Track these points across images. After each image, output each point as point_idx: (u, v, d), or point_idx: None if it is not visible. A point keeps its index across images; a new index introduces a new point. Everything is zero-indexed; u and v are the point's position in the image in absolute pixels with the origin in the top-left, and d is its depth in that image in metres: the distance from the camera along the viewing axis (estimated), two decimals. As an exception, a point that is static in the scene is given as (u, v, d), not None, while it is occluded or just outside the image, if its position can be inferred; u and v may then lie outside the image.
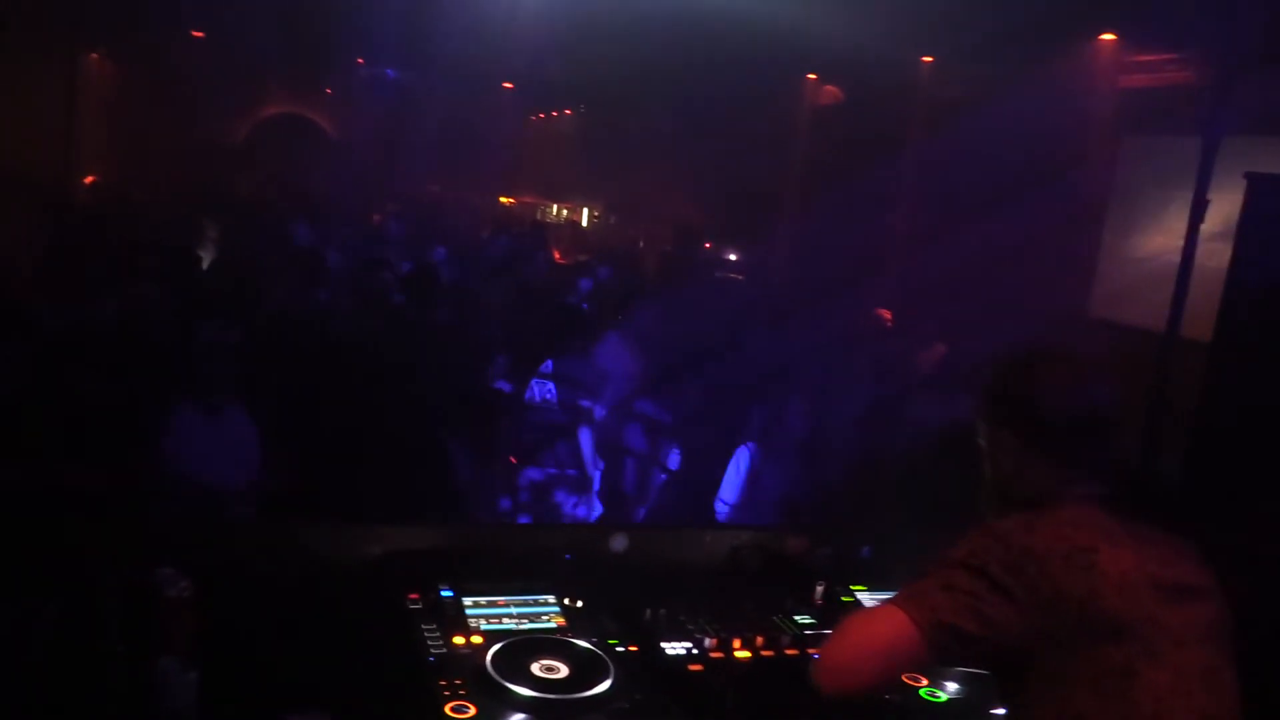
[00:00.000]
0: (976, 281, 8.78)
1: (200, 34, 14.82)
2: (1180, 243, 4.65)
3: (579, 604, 2.66)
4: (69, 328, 5.01)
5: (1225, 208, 4.63)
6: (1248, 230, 4.45)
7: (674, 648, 2.56)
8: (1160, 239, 8.25)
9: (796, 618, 2.82)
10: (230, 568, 2.41)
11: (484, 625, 2.50)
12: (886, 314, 8.22)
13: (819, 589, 2.95)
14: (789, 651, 2.66)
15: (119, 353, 4.73)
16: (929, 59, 10.68)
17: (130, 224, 8.97)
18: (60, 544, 2.41)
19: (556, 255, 12.06)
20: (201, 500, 4.07)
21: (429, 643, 2.39)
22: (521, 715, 2.20)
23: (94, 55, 15.04)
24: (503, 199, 19.27)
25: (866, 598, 3.01)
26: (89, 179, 13.04)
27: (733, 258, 13.21)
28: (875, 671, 1.90)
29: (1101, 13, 8.52)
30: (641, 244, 13.64)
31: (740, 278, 12.21)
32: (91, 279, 6.14)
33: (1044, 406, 1.97)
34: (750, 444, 4.89)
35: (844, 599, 2.96)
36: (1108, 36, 8.99)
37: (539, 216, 19.49)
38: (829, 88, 12.73)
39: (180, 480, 4.11)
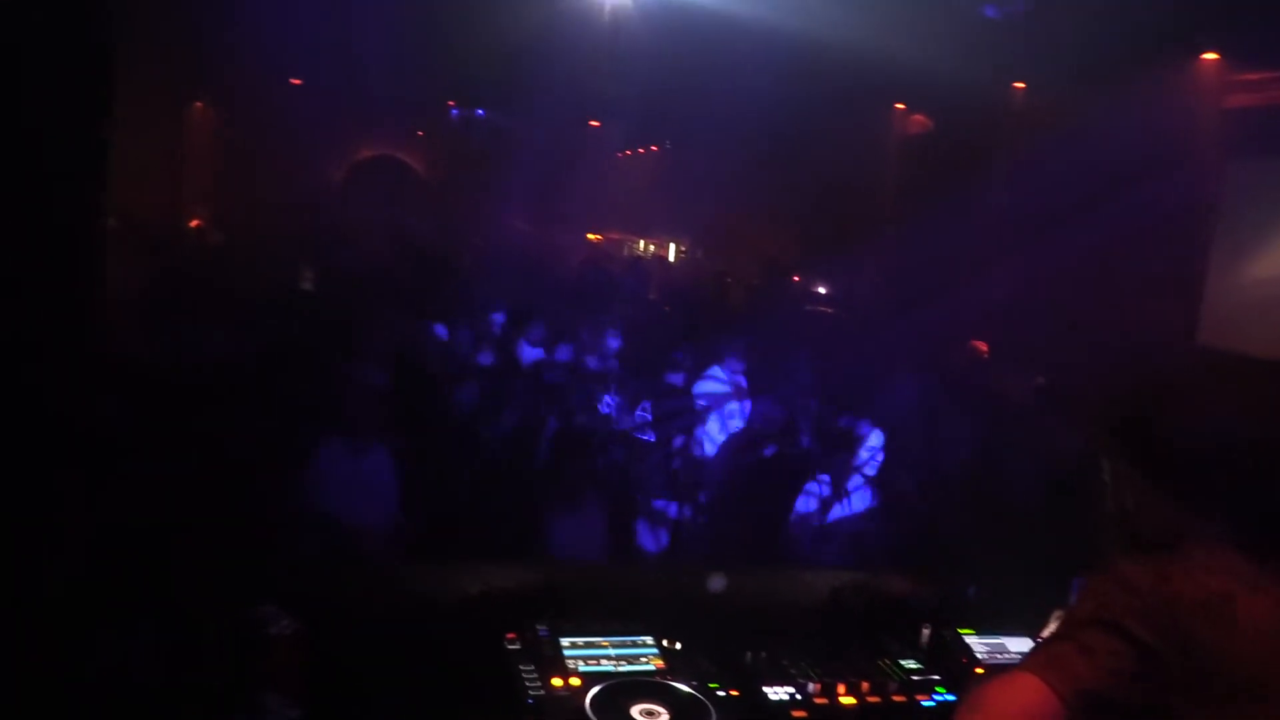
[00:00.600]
0: (1077, 311, 8.54)
1: (298, 81, 15.35)
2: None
3: (678, 646, 2.61)
4: (195, 365, 5.15)
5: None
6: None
7: (776, 692, 2.49)
8: (1273, 263, 7.93)
9: (902, 662, 2.72)
10: (334, 605, 2.43)
11: (582, 667, 2.46)
12: (983, 346, 8.03)
13: (925, 632, 2.85)
14: (896, 697, 2.57)
15: (254, 390, 4.85)
16: (1020, 85, 10.48)
17: (235, 266, 9.27)
18: (171, 578, 2.45)
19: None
20: (335, 537, 4.13)
21: (527, 684, 2.36)
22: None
23: (198, 104, 15.68)
24: (590, 235, 19.45)
25: (975, 640, 2.89)
26: (194, 222, 13.54)
27: (822, 291, 13.08)
28: None
29: (1203, 32, 8.26)
30: (729, 279, 13.59)
31: (830, 310, 12.08)
32: (202, 319, 6.33)
33: (1167, 438, 1.86)
34: (824, 478, 4.77)
35: (952, 643, 2.85)
36: (1210, 56, 8.71)
37: (626, 252, 19.60)
38: (917, 117, 12.58)
39: (318, 517, 4.18)
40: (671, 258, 19.49)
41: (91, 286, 2.10)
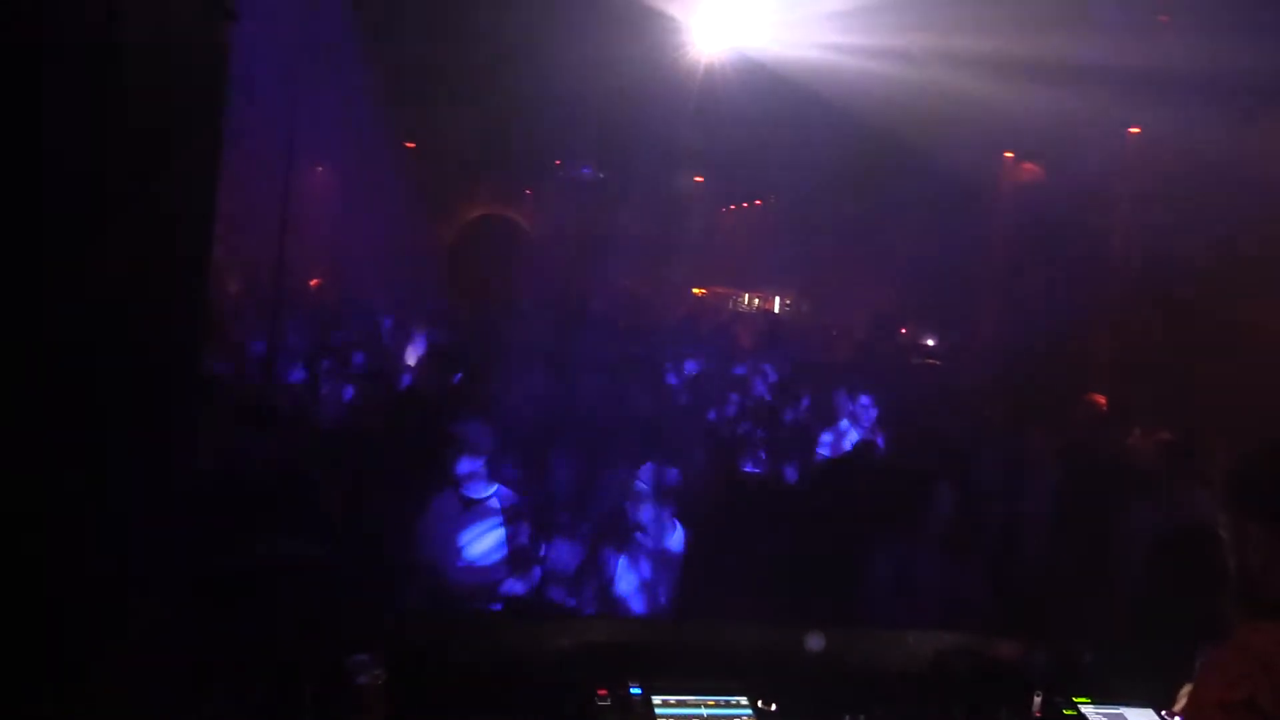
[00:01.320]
0: (1201, 365, 8.16)
1: (412, 145, 15.90)
2: None
3: (773, 707, 2.53)
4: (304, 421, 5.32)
5: None
6: None
7: (877, 759, 2.40)
8: None
9: (1013, 732, 2.59)
10: (426, 656, 2.43)
11: (674, 727, 2.41)
12: (1100, 399, 7.72)
13: (1036, 700, 2.71)
14: (1005, 769, 2.44)
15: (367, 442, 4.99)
16: (1135, 130, 10.17)
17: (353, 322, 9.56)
18: (265, 627, 2.49)
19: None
20: (434, 589, 4.18)
21: (617, 742, 2.32)
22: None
23: (318, 168, 16.37)
24: (695, 289, 19.52)
25: (1091, 710, 2.74)
26: (314, 281, 14.04)
27: (930, 343, 12.83)
28: None
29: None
30: (835, 332, 13.45)
31: (938, 363, 11.83)
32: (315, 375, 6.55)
33: None
34: (935, 534, 4.55)
35: (1066, 711, 2.70)
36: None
37: (731, 306, 19.61)
38: (1027, 165, 12.32)
39: (422, 568, 4.25)
40: (777, 311, 19.42)
41: (199, 339, 2.17)
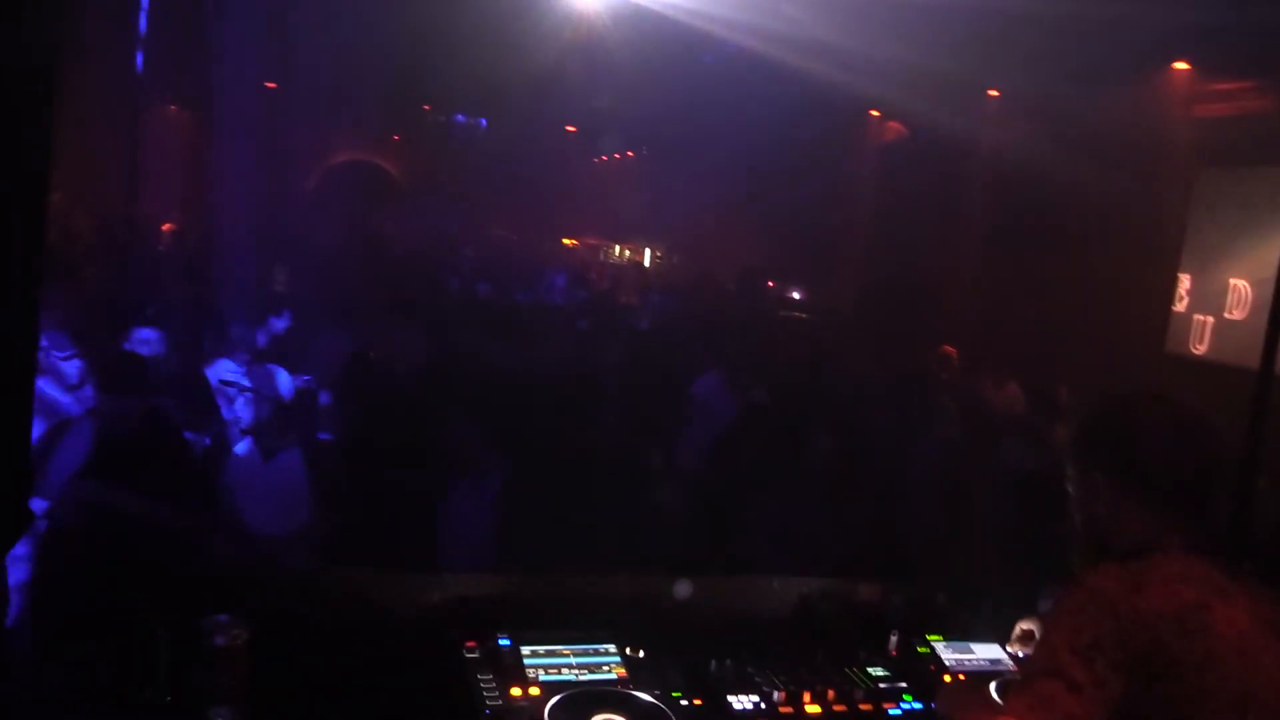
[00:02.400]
0: (1047, 318, 8.57)
1: (273, 85, 15.22)
2: (1267, 275, 4.43)
3: (641, 654, 2.57)
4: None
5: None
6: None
7: (741, 701, 2.45)
8: (1244, 271, 7.99)
9: (870, 670, 2.69)
10: (284, 615, 2.37)
11: (543, 676, 2.42)
12: (952, 351, 8.03)
13: (893, 639, 2.83)
14: (862, 706, 2.54)
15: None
16: (995, 93, 10.52)
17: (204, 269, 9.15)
18: (118, 588, 2.39)
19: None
20: (256, 546, 4.09)
21: (485, 694, 2.31)
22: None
23: (172, 107, 15.54)
24: (566, 240, 19.40)
25: (943, 648, 2.87)
26: (167, 226, 13.38)
27: (796, 296, 13.10)
28: None
29: (1174, 42, 8.32)
30: (702, 282, 13.56)
31: (804, 316, 12.08)
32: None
33: (1145, 452, 1.86)
34: (790, 481, 4.68)
35: (920, 650, 2.83)
36: (1181, 66, 8.78)
37: (602, 257, 19.60)
38: (892, 124, 12.62)
39: (232, 524, 4.15)
40: (647, 263, 19.49)
41: (32, 289, 2.03)
